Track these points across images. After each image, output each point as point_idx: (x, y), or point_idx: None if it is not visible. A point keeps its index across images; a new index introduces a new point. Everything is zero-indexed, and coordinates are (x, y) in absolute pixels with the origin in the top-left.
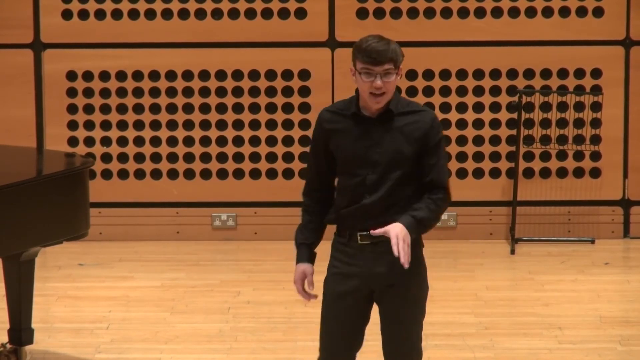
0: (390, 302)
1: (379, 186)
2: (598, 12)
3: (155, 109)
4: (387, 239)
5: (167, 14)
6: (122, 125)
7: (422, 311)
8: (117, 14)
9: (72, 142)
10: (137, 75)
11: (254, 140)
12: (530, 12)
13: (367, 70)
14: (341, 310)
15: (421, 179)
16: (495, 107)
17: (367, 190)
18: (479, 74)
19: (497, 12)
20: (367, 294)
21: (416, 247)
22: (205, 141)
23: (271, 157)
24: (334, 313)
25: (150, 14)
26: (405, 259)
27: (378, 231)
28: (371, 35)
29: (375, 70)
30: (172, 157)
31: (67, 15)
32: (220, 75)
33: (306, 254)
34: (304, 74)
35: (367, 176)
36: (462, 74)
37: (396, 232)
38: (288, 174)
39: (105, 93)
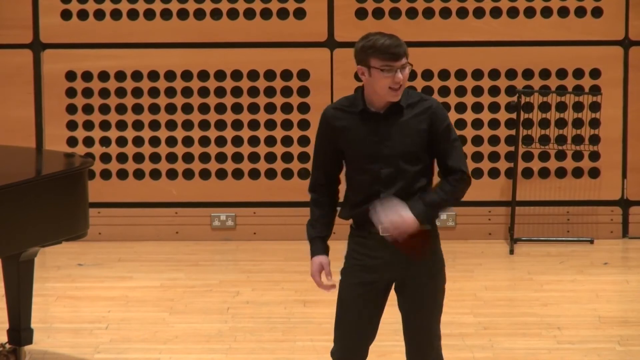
0: (411, 292)
1: (395, 180)
2: (597, 12)
3: (154, 109)
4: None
5: (166, 14)
6: (121, 125)
7: (442, 300)
8: (116, 14)
9: (72, 142)
10: (137, 76)
11: (253, 141)
12: (529, 12)
13: (387, 66)
14: (358, 300)
15: (438, 166)
16: (494, 107)
17: (383, 185)
18: (477, 74)
19: (496, 13)
20: (385, 285)
21: (434, 239)
22: (204, 141)
23: (270, 157)
24: (350, 303)
25: (149, 14)
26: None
27: (390, 235)
28: (377, 33)
29: (395, 65)
30: (171, 157)
31: (66, 15)
32: (220, 75)
33: (321, 246)
34: (303, 74)
35: (380, 171)
36: (461, 74)
37: (386, 220)
38: (287, 174)
39: (104, 93)
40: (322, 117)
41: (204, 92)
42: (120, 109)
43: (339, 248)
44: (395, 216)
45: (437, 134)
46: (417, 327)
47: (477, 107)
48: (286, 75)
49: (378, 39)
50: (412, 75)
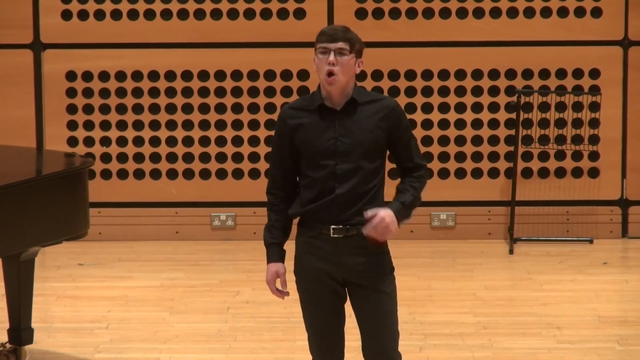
0: (367, 289)
1: (350, 176)
2: (596, 12)
3: (154, 109)
4: (358, 232)
5: (166, 14)
6: (121, 125)
7: (396, 295)
8: (116, 14)
9: (72, 142)
10: (137, 76)
11: (253, 140)
12: (529, 13)
13: (322, 48)
14: (317, 298)
15: (398, 163)
16: (493, 107)
17: (338, 181)
18: (477, 74)
19: (495, 13)
20: (339, 283)
21: (385, 253)
22: (204, 141)
23: None
24: (311, 302)
25: (149, 15)
26: (376, 237)
27: (369, 215)
28: None
29: (329, 47)
30: (172, 157)
31: (66, 15)
32: (220, 75)
33: (277, 253)
34: (303, 74)
35: (336, 166)
36: (460, 74)
37: (383, 215)
38: None
39: (104, 93)
40: (278, 116)
41: (204, 92)
42: (121, 109)
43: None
44: (384, 222)
45: (397, 133)
46: (376, 328)
47: (477, 107)
48: (286, 75)
49: (327, 26)
50: (412, 76)
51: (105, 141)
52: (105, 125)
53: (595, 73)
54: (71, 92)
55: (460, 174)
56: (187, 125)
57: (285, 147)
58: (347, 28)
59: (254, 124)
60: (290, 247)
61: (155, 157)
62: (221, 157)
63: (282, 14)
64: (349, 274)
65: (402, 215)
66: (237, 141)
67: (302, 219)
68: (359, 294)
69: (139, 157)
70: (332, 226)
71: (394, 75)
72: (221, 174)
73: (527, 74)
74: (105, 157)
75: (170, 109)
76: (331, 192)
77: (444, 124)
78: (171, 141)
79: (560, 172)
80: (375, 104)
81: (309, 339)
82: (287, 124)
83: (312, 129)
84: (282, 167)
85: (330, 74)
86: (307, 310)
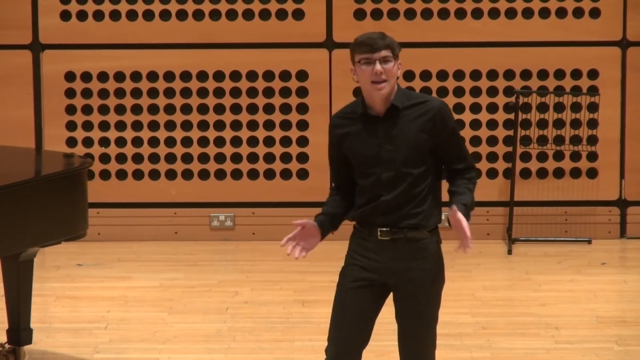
0: (409, 297)
1: (397, 183)
2: (595, 13)
3: (153, 109)
4: (405, 236)
5: (165, 15)
6: (120, 125)
7: (439, 304)
8: (115, 15)
9: (71, 142)
10: (136, 76)
11: (252, 141)
12: (527, 13)
13: (366, 59)
14: (354, 299)
15: (447, 164)
16: (492, 108)
17: (384, 188)
18: (476, 75)
19: (494, 13)
20: (382, 288)
21: (435, 244)
22: (203, 142)
23: (269, 158)
24: (346, 302)
25: (148, 15)
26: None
27: (464, 232)
28: (368, 32)
29: (373, 57)
30: (171, 158)
31: (65, 16)
32: (218, 76)
33: (318, 217)
34: (302, 75)
35: (381, 175)
36: (459, 75)
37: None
38: (286, 174)
39: (103, 94)
40: (329, 126)
41: (202, 92)
42: (120, 109)
43: (338, 248)
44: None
45: (443, 136)
46: (412, 333)
47: (476, 108)
48: (285, 75)
49: (362, 34)
50: (411, 76)
51: (104, 142)
52: (104, 126)
53: (593, 74)
54: (70, 93)
55: None
56: (186, 125)
57: (336, 156)
58: (383, 34)
59: (252, 125)
60: (344, 247)
61: (154, 158)
62: (220, 158)
63: (281, 14)
64: (394, 279)
65: (466, 216)
66: (236, 142)
67: (357, 221)
68: (400, 301)
69: (137, 158)
70: (380, 228)
71: None
72: (220, 175)
73: (526, 74)
74: (104, 158)
75: (169, 109)
76: (378, 199)
77: None
78: (170, 142)
79: (558, 173)
80: (419, 107)
81: (329, 336)
82: (335, 134)
83: (357, 138)
84: (335, 171)
85: (379, 82)
86: (339, 308)
